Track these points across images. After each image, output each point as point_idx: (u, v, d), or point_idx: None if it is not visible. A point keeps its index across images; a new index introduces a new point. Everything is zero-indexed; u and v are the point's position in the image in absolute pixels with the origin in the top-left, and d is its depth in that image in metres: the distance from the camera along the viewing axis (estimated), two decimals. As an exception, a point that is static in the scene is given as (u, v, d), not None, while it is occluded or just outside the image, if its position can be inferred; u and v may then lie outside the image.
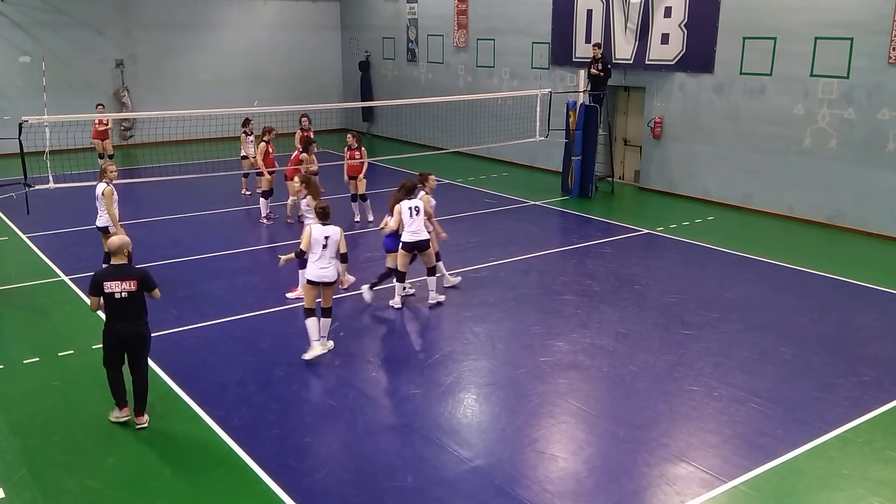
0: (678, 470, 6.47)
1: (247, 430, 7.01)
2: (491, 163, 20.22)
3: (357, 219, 14.19)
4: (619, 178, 18.01)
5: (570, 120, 16.46)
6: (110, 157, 17.49)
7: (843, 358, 8.60)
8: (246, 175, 16.37)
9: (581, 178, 16.53)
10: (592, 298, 10.56)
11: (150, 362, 8.32)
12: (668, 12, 16.05)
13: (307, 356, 8.36)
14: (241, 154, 16.02)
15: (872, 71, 13.22)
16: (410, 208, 9.69)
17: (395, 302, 10.13)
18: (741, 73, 15.12)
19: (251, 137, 15.84)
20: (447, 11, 21.53)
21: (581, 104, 16.38)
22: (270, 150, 14.21)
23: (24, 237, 13.15)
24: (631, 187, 17.72)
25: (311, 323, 8.40)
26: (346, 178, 14.27)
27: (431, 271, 10.16)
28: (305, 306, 8.51)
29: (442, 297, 10.26)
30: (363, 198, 14.14)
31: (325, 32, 26.06)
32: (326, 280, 8.39)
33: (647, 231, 13.83)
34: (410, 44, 23.19)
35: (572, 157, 16.47)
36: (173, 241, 12.96)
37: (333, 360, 8.53)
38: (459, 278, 10.93)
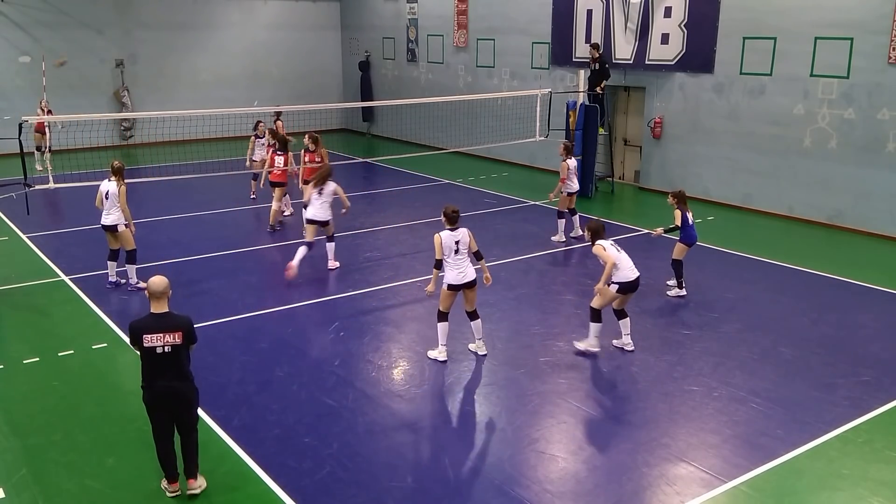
0: (678, 470, 6.47)
1: (247, 430, 7.01)
2: (491, 163, 20.21)
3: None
4: (619, 178, 18.02)
5: (570, 120, 16.46)
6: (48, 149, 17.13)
7: (843, 358, 8.60)
8: (255, 177, 15.73)
9: (581, 178, 16.50)
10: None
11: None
12: (668, 12, 16.05)
13: (435, 355, 8.50)
14: (252, 157, 15.53)
15: (872, 71, 13.22)
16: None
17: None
18: (741, 73, 15.12)
19: (262, 140, 15.46)
20: (447, 11, 21.53)
21: (581, 104, 16.38)
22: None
23: (24, 237, 13.15)
24: (631, 187, 17.72)
25: (444, 327, 8.42)
26: (301, 182, 13.11)
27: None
28: (441, 310, 8.36)
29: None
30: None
31: (325, 32, 26.06)
32: (468, 280, 8.19)
33: (647, 231, 13.82)
34: (410, 44, 23.19)
35: (572, 157, 16.45)
36: (173, 241, 12.96)
37: (333, 360, 8.53)
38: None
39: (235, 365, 8.40)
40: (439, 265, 8.18)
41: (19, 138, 11.01)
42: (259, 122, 15.85)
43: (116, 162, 10.48)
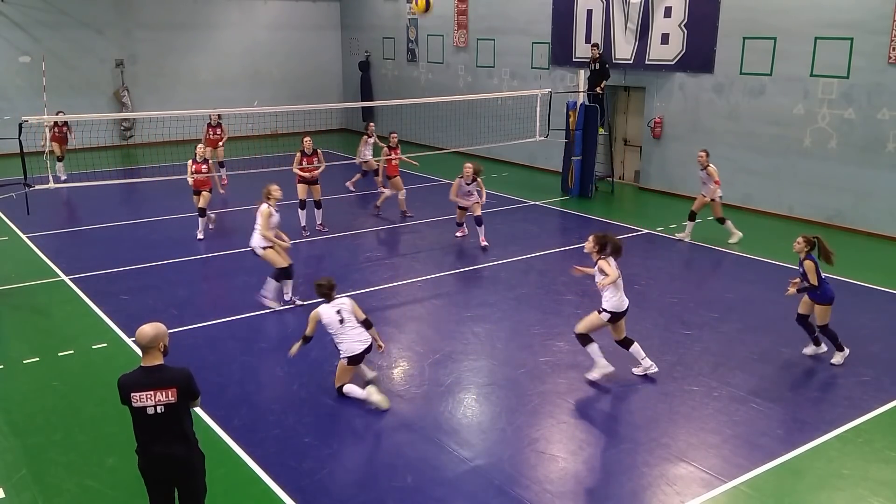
0: (678, 470, 6.47)
1: (247, 430, 7.01)
2: (491, 163, 20.18)
3: (305, 226, 13.44)
4: (619, 178, 18.02)
5: (570, 120, 16.47)
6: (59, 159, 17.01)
7: (843, 358, 8.60)
8: (365, 174, 16.67)
9: (581, 178, 16.54)
10: (592, 298, 10.51)
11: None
12: (668, 12, 16.04)
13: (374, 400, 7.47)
14: (361, 158, 16.19)
15: (872, 71, 13.22)
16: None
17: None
18: (741, 73, 15.12)
19: (371, 140, 16.15)
20: (447, 11, 21.52)
21: (581, 104, 16.39)
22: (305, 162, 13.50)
23: (24, 237, 13.15)
24: (631, 187, 17.72)
25: (351, 388, 7.56)
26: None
27: (626, 343, 8.07)
28: (339, 384, 7.59)
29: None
30: (318, 204, 13.56)
31: (325, 32, 26.06)
32: (369, 345, 7.56)
33: (647, 231, 13.83)
34: (410, 44, 23.18)
35: (572, 157, 16.47)
36: (173, 241, 12.96)
37: (333, 360, 8.52)
38: None
39: (235, 365, 8.41)
40: (307, 340, 7.54)
41: (19, 138, 11.00)
42: (369, 123, 16.59)
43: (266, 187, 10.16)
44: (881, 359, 8.59)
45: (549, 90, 16.74)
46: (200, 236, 13.15)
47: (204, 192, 13.11)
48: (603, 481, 6.36)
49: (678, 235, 13.33)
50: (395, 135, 14.75)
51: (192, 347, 8.79)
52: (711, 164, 12.81)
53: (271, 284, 9.97)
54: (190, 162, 13.07)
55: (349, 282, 11.11)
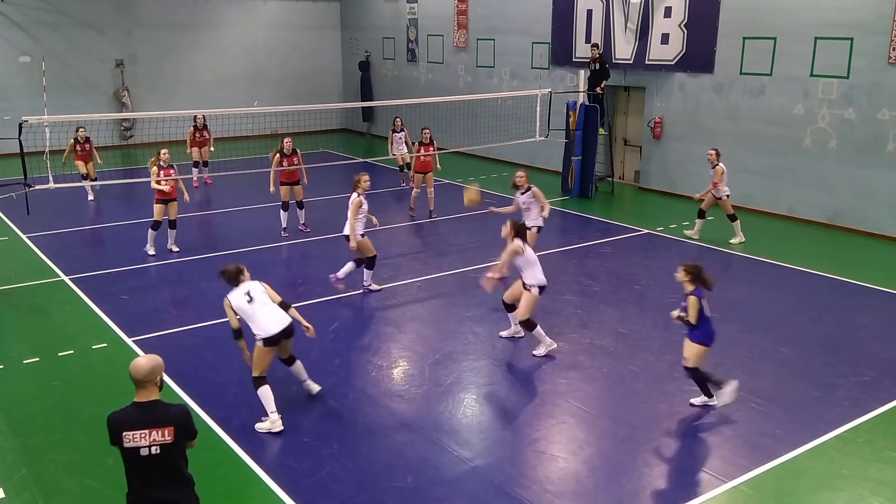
0: (678, 470, 6.47)
1: (247, 430, 7.01)
2: (491, 163, 20.21)
3: (286, 228, 13.32)
4: (619, 178, 18.02)
5: (570, 120, 16.47)
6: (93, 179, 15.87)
7: (843, 358, 8.60)
8: (401, 169, 17.17)
9: (581, 178, 16.54)
10: (592, 298, 10.56)
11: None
12: (668, 12, 16.04)
13: (267, 428, 7.05)
14: (392, 152, 16.55)
15: (872, 71, 13.22)
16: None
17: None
18: (741, 73, 15.12)
19: (399, 135, 16.36)
20: (447, 11, 21.53)
21: (581, 104, 16.38)
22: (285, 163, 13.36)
23: (24, 237, 13.15)
24: (631, 187, 17.72)
25: (266, 392, 7.07)
26: (275, 186, 13.25)
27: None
28: (256, 375, 7.06)
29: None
30: (300, 205, 13.50)
31: (325, 32, 26.06)
32: (286, 325, 7.01)
33: (647, 231, 13.83)
34: (410, 44, 23.18)
35: (572, 157, 16.48)
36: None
37: (333, 360, 8.53)
38: None
39: (235, 365, 8.38)
40: (238, 335, 7.02)
41: (19, 138, 11.00)
42: (396, 117, 16.80)
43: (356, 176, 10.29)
44: (881, 359, 8.59)
45: (549, 90, 16.74)
46: (152, 252, 12.03)
47: (172, 202, 11.96)
48: (603, 481, 6.36)
49: (687, 233, 13.39)
50: (428, 130, 14.66)
51: (192, 347, 8.79)
52: (721, 164, 12.77)
53: (349, 268, 10.36)
54: (155, 168, 11.87)
55: (349, 282, 11.10)
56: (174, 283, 11.18)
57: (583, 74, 16.76)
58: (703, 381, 7.34)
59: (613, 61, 17.07)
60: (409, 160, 16.01)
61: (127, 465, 4.43)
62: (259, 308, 6.97)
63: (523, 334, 8.86)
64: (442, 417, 7.35)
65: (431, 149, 14.54)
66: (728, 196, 12.90)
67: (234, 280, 7.08)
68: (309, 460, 6.56)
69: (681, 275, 7.15)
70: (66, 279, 11.07)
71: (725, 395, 7.27)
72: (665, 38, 16.20)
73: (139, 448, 4.34)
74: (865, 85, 13.35)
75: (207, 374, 8.17)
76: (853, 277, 11.30)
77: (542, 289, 8.50)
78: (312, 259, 12.33)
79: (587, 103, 16.44)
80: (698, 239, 13.16)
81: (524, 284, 8.52)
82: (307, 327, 7.23)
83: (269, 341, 6.95)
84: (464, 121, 19.70)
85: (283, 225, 13.34)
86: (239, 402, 7.54)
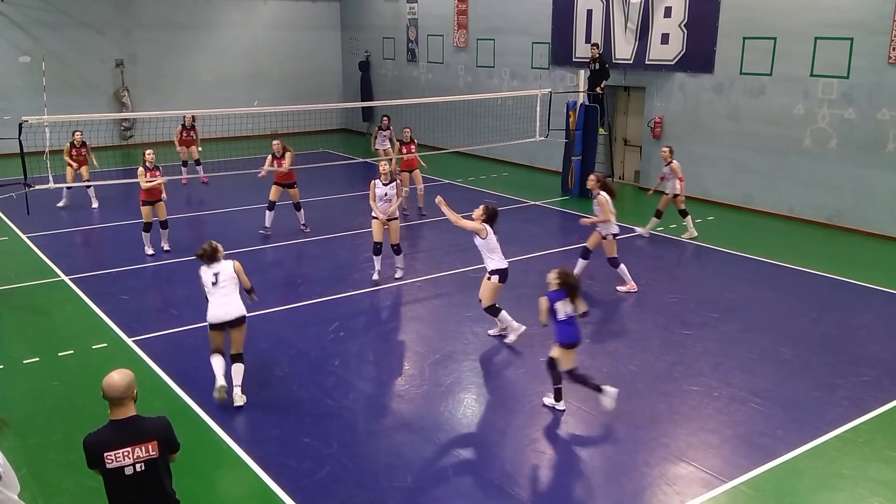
0: (678, 470, 6.47)
1: (247, 430, 7.01)
2: (491, 163, 20.22)
3: (268, 227, 13.28)
4: (619, 178, 18.01)
5: (570, 120, 16.47)
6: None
7: (843, 358, 8.60)
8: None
9: (581, 178, 16.51)
10: (592, 298, 10.55)
11: (150, 362, 8.37)
12: (668, 12, 16.04)
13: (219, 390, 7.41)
14: (375, 147, 16.47)
15: (872, 71, 13.22)
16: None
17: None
18: (741, 73, 15.12)
19: (385, 132, 16.20)
20: (447, 11, 21.53)
21: (581, 104, 16.38)
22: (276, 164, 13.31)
23: (24, 237, 13.15)
24: (631, 187, 17.71)
25: (214, 360, 7.50)
26: (265, 173, 13.33)
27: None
28: (212, 348, 7.55)
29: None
30: (297, 206, 13.42)
31: (325, 32, 26.06)
32: (231, 318, 7.38)
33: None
34: (410, 44, 23.18)
35: (572, 157, 16.47)
36: (173, 241, 12.94)
37: (333, 359, 8.53)
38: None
39: (235, 365, 8.39)
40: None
41: (19, 138, 11.01)
42: (384, 116, 16.47)
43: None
44: (881, 359, 8.59)
45: (549, 90, 16.74)
46: (150, 251, 12.01)
47: (159, 203, 12.10)
48: (603, 481, 6.36)
49: (638, 230, 13.52)
50: (408, 130, 14.84)
51: (192, 347, 8.78)
52: (675, 161, 12.92)
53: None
54: (141, 170, 11.92)
55: (349, 281, 11.12)
56: (174, 283, 11.18)
57: (583, 74, 16.76)
58: (583, 381, 7.27)
59: (613, 61, 17.08)
60: (391, 156, 16.16)
61: (109, 488, 4.26)
62: (216, 293, 7.41)
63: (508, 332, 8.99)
64: (442, 417, 7.35)
65: (413, 147, 14.68)
66: (677, 196, 13.02)
67: (210, 259, 7.45)
68: (309, 460, 6.56)
69: (552, 276, 7.28)
70: (66, 279, 11.07)
71: (607, 399, 7.19)
72: (665, 38, 16.20)
73: (123, 468, 4.18)
74: (865, 85, 13.35)
75: (207, 373, 8.15)
76: (853, 277, 11.30)
77: (502, 276, 8.73)
78: (313, 259, 12.32)
79: (587, 103, 16.43)
80: (650, 235, 13.36)
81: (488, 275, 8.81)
82: (252, 297, 7.91)
83: (212, 326, 7.45)
84: (464, 121, 19.70)
85: (266, 224, 13.25)
86: (239, 402, 7.54)
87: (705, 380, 8.07)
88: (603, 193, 10.38)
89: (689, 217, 13.23)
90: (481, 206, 8.86)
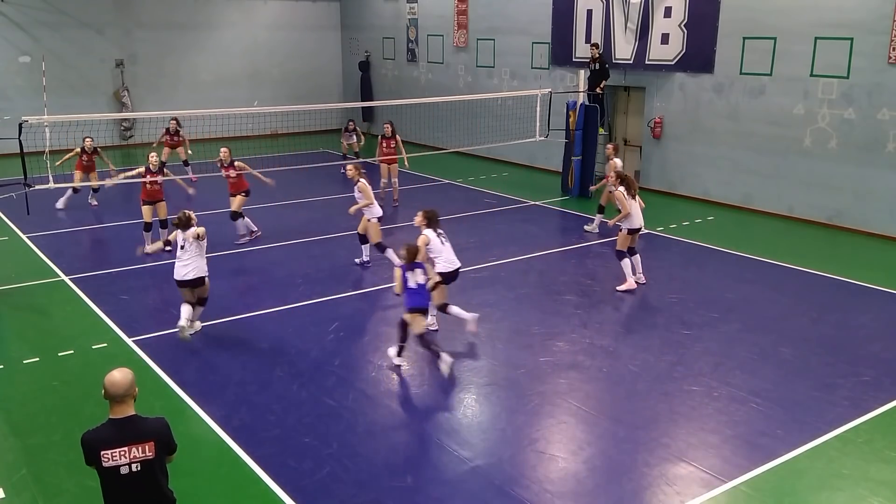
0: (678, 470, 6.47)
1: (247, 430, 7.01)
2: (491, 163, 20.22)
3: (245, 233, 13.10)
4: (619, 178, 18.00)
5: (570, 120, 16.46)
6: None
7: (843, 358, 8.60)
8: (344, 157, 18.99)
9: (581, 178, 16.53)
10: (592, 298, 10.56)
11: (150, 362, 8.37)
12: (668, 12, 16.04)
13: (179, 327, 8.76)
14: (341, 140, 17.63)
15: (872, 71, 13.22)
16: (440, 234, 8.90)
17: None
18: (741, 73, 15.12)
19: (351, 133, 17.55)
20: (447, 11, 21.53)
21: (581, 104, 16.38)
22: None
23: (24, 237, 13.15)
24: (631, 187, 17.70)
25: (186, 309, 8.82)
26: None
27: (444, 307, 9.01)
28: (184, 300, 8.94)
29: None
30: (234, 216, 12.89)
31: (325, 32, 26.06)
32: (191, 277, 8.79)
33: (646, 231, 13.81)
34: (410, 44, 23.19)
35: (572, 157, 16.47)
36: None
37: (333, 359, 8.53)
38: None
39: (235, 365, 8.40)
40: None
41: (19, 138, 11.01)
42: (350, 120, 19.03)
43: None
44: (881, 359, 8.59)
45: (549, 90, 16.74)
46: (148, 250, 10.89)
47: (160, 202, 12.29)
48: (603, 481, 6.36)
49: (587, 228, 13.79)
50: (388, 125, 15.27)
51: (192, 347, 8.78)
52: (616, 159, 13.23)
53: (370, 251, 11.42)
54: (143, 170, 12.10)
55: (348, 281, 11.12)
56: (174, 284, 11.15)
57: (583, 74, 16.76)
58: (426, 346, 8.16)
59: (613, 61, 17.08)
60: (357, 150, 18.59)
61: (105, 487, 4.27)
62: (182, 256, 8.79)
63: (475, 325, 9.02)
64: (442, 417, 7.35)
65: (393, 142, 15.10)
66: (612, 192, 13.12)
67: (185, 227, 8.82)
68: (309, 460, 6.56)
69: (402, 252, 8.32)
70: (66, 279, 11.07)
71: (444, 366, 8.01)
72: (665, 38, 16.20)
73: (119, 467, 4.19)
74: (865, 85, 13.35)
75: (207, 373, 8.17)
76: (853, 277, 11.30)
77: (448, 278, 8.92)
78: (312, 259, 12.32)
79: (587, 103, 16.43)
80: (597, 233, 13.56)
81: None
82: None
83: (177, 283, 8.90)
84: (464, 121, 19.70)
85: (240, 232, 13.00)
86: (239, 402, 7.54)
87: (705, 380, 8.07)
88: (621, 188, 10.71)
89: (600, 216, 13.63)
90: (420, 212, 9.08)
